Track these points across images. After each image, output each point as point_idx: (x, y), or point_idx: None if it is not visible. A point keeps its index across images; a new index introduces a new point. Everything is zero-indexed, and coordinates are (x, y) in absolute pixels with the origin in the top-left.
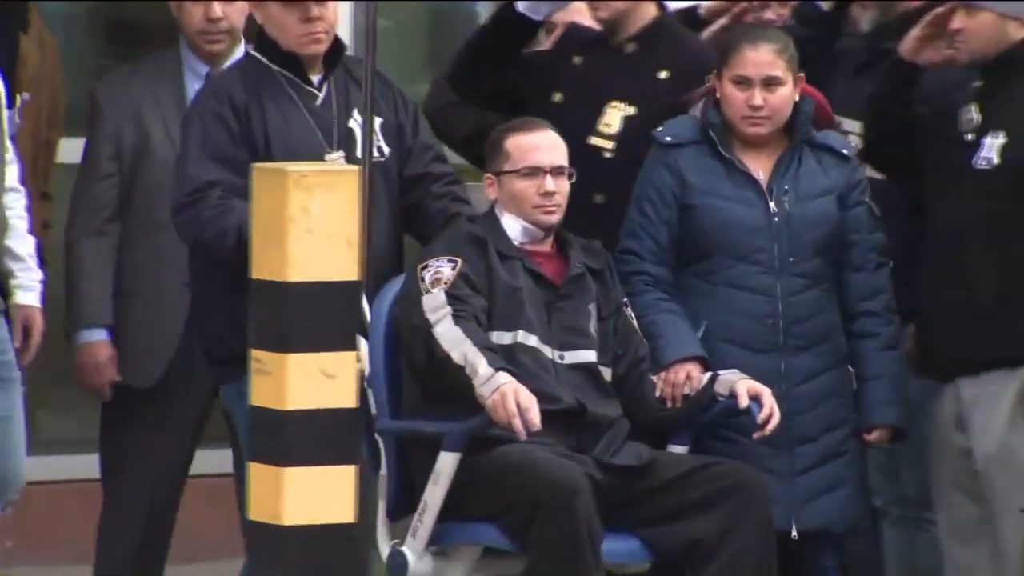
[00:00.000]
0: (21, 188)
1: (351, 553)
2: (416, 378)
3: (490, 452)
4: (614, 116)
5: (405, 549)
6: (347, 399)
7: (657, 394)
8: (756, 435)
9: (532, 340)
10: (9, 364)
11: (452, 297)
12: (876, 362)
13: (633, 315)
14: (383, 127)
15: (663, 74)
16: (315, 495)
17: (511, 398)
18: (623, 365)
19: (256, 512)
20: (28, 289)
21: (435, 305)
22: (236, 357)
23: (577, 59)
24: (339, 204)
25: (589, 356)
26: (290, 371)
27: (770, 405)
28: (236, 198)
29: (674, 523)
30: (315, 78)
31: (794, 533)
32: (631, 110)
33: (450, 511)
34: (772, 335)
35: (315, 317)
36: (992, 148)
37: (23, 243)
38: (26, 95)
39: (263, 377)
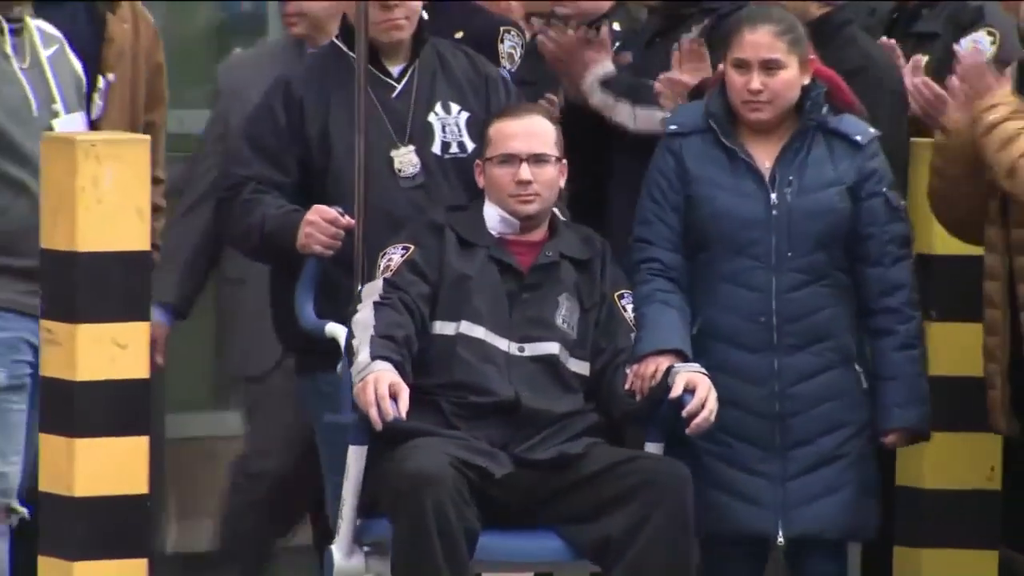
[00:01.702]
0: None
1: (140, 524)
2: None
3: (399, 446)
4: None
5: (333, 547)
6: (139, 370)
7: (627, 386)
8: (688, 429)
9: (478, 331)
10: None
11: (389, 285)
12: (892, 362)
13: (629, 307)
14: (469, 122)
15: None
16: (106, 466)
17: (371, 386)
18: (601, 359)
19: (46, 483)
20: None
21: (369, 292)
22: (311, 349)
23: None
24: (129, 175)
25: (551, 348)
26: (79, 341)
27: (700, 398)
28: (270, 194)
29: (590, 520)
30: (395, 68)
31: (780, 539)
32: None
33: (372, 507)
34: (764, 333)
35: (105, 287)
36: None
37: None
38: (111, 76)
39: (54, 347)
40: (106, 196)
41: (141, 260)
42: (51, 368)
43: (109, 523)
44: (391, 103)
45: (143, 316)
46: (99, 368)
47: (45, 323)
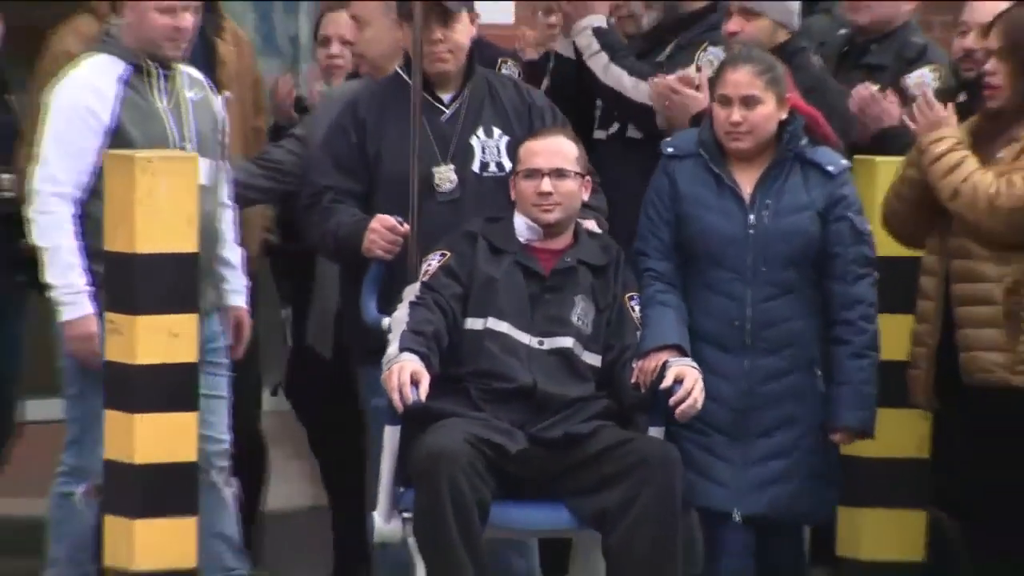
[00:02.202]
0: (231, 204)
1: (190, 487)
2: None
3: (429, 426)
4: None
5: (375, 513)
6: (189, 355)
7: (632, 380)
8: (676, 415)
9: (503, 326)
10: (219, 352)
11: (425, 287)
12: (845, 369)
13: (637, 308)
14: (509, 145)
15: None
16: (160, 438)
17: (395, 375)
18: (612, 353)
19: (111, 452)
20: (238, 293)
21: (408, 293)
22: (368, 341)
23: None
24: (180, 186)
25: (566, 343)
26: (138, 331)
27: (686, 389)
28: (345, 202)
29: (592, 494)
30: (447, 96)
31: (737, 517)
32: None
33: (407, 479)
34: (739, 336)
35: (159, 284)
36: None
37: (233, 253)
38: (228, 93)
39: (116, 336)
40: (160, 205)
41: (190, 260)
42: (113, 353)
43: (164, 486)
44: (439, 125)
45: (192, 309)
46: (155, 353)
47: (109, 315)
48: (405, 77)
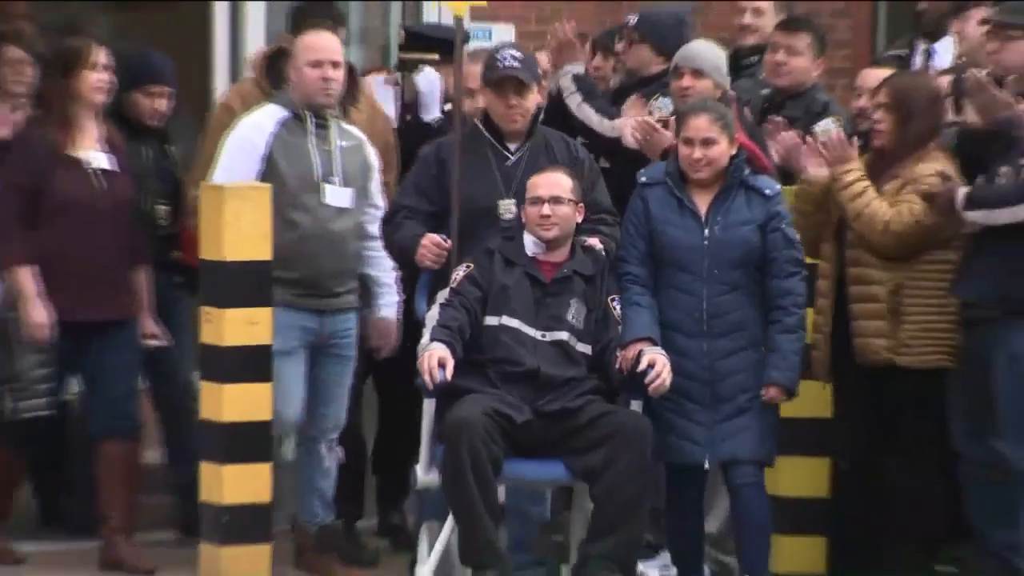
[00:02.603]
0: (376, 233)
1: (266, 441)
2: None
3: (456, 400)
4: None
5: (417, 467)
6: (265, 338)
7: (617, 366)
8: (649, 392)
9: (514, 323)
10: (349, 346)
11: (453, 291)
12: (777, 342)
13: (618, 307)
14: None
15: None
16: (243, 402)
17: (426, 360)
18: (600, 345)
19: (205, 413)
20: (388, 306)
21: (440, 297)
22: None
23: None
24: (259, 211)
25: (563, 336)
26: (226, 320)
27: (656, 372)
28: (415, 219)
29: (581, 454)
30: (513, 146)
31: (706, 465)
32: None
33: None
34: (698, 324)
35: (242, 284)
36: None
37: (385, 272)
38: None
39: (209, 324)
40: (243, 224)
41: (265, 267)
42: (208, 337)
43: (245, 440)
44: (505, 169)
45: (267, 303)
46: (238, 337)
47: (204, 308)
48: (482, 129)
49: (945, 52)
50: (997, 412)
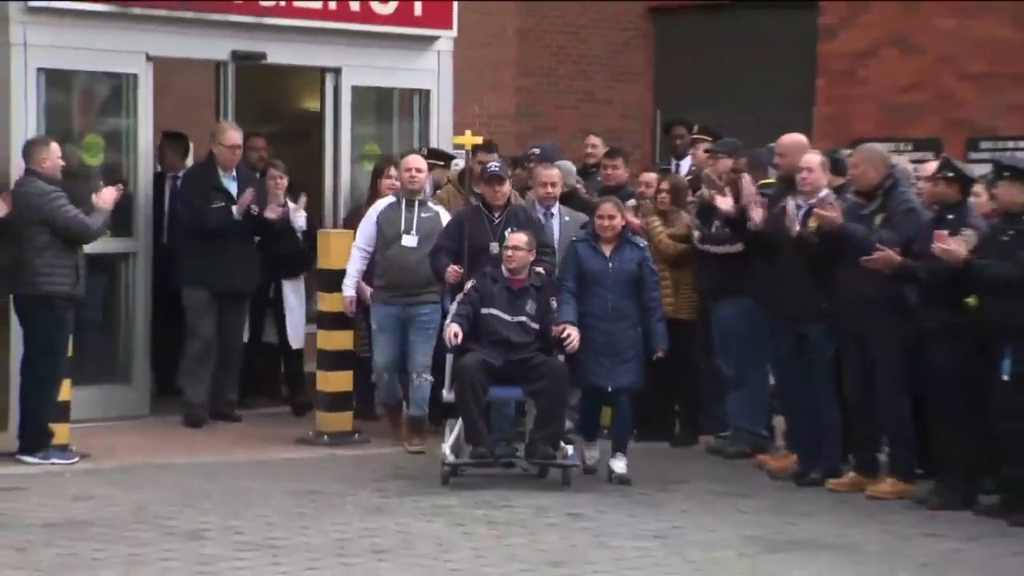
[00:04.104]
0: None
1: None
2: None
3: (463, 354)
4: None
5: (443, 390)
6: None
7: (552, 336)
8: (567, 350)
9: (497, 312)
10: (429, 323)
11: (464, 296)
12: (651, 324)
13: (556, 303)
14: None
15: None
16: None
17: (449, 331)
18: (544, 325)
19: (321, 344)
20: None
21: (458, 298)
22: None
23: None
24: (343, 244)
25: (523, 319)
26: (327, 301)
27: (568, 336)
28: (446, 251)
29: (531, 383)
30: (496, 213)
31: (609, 388)
32: None
33: None
34: (607, 314)
35: (338, 282)
36: None
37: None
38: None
39: (323, 305)
40: (339, 251)
41: (341, 273)
42: (325, 305)
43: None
44: (493, 227)
45: (341, 290)
46: (334, 306)
47: (319, 294)
48: (480, 205)
49: (685, 165)
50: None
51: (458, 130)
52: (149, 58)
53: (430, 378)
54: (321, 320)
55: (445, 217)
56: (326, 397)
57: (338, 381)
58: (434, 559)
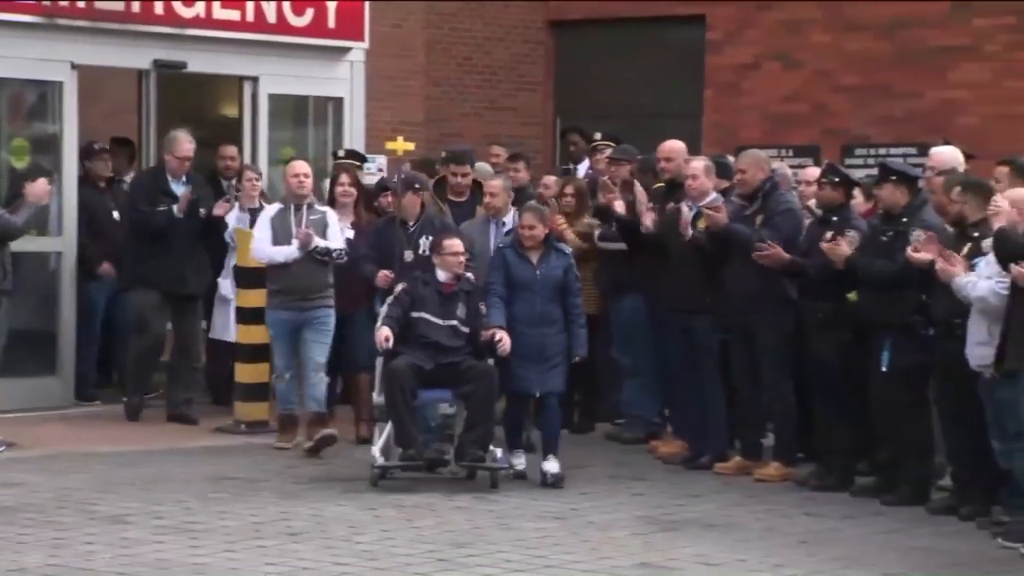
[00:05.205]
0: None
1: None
2: None
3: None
4: None
5: (374, 394)
6: (259, 302)
7: (482, 339)
8: (499, 352)
9: (428, 316)
10: (327, 325)
11: (395, 299)
12: (573, 331)
13: (485, 308)
14: (431, 244)
15: None
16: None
17: (379, 334)
18: (473, 329)
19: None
20: None
21: (388, 301)
22: None
23: None
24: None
25: (453, 323)
26: (244, 297)
27: (502, 342)
28: (371, 262)
29: (460, 386)
30: (411, 222)
31: (537, 394)
32: None
33: None
34: (536, 319)
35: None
36: None
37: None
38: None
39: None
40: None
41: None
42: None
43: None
44: (409, 235)
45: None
46: (253, 302)
47: (239, 290)
48: (395, 216)
49: (582, 169)
50: None
51: (370, 135)
52: (74, 66)
53: (326, 377)
54: (240, 315)
55: (332, 218)
56: (244, 388)
57: (255, 372)
58: (346, 540)
